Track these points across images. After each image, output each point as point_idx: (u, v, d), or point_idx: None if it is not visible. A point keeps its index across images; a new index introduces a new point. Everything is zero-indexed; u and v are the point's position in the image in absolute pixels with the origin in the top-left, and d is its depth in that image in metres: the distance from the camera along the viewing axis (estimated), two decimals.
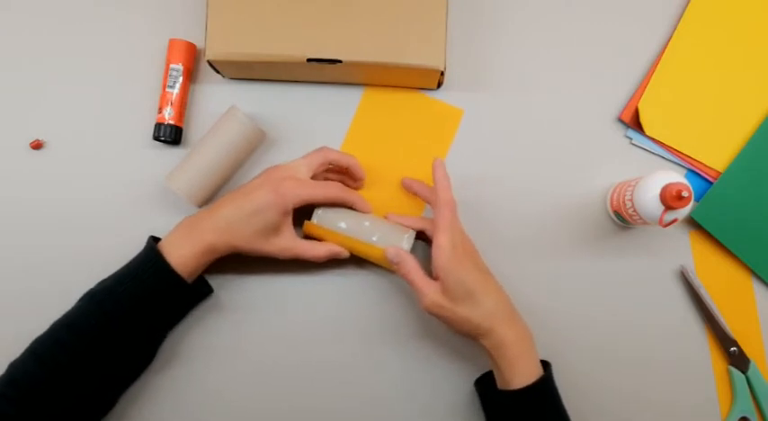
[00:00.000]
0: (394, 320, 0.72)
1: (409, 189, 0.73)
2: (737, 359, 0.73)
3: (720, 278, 0.74)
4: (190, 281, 0.65)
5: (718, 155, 0.74)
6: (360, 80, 0.74)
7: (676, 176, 0.64)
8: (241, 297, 0.72)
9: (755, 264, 0.73)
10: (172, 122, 0.72)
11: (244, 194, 0.65)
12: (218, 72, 0.72)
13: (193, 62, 0.73)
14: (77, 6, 0.74)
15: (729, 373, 0.73)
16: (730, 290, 0.74)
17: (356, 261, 0.70)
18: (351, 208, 0.70)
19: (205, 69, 0.74)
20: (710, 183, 0.74)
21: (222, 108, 0.71)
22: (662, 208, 0.63)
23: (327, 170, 0.71)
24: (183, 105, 0.73)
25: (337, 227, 0.68)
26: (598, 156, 0.75)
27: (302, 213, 0.68)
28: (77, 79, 0.74)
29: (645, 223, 0.67)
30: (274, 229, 0.65)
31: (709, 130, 0.75)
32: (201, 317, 0.72)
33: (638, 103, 0.74)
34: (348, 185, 0.73)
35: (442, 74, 0.69)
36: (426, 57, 0.67)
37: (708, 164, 0.74)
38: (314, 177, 0.68)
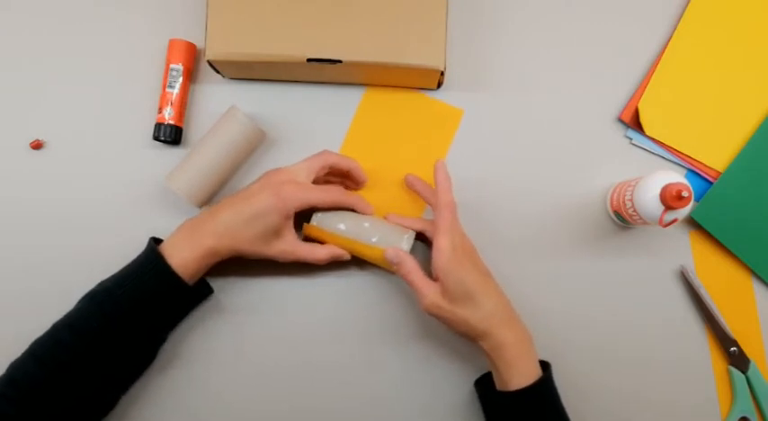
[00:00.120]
0: (394, 321, 0.72)
1: (411, 187, 0.73)
2: (737, 359, 0.73)
3: (720, 278, 0.74)
4: (190, 283, 0.65)
5: (718, 155, 0.74)
6: (360, 80, 0.74)
7: (676, 176, 0.64)
8: (241, 298, 0.72)
9: (755, 264, 0.73)
10: (172, 122, 0.72)
11: (244, 198, 0.65)
12: (218, 72, 0.72)
13: (193, 62, 0.73)
14: (77, 6, 0.74)
15: (729, 373, 0.73)
16: (730, 290, 0.74)
17: (356, 262, 0.70)
18: (352, 210, 0.70)
19: (205, 69, 0.74)
20: (710, 183, 0.74)
21: (222, 108, 0.71)
22: (662, 208, 0.63)
23: (328, 173, 0.71)
24: (183, 105, 0.73)
25: (337, 228, 0.68)
26: (598, 156, 0.75)
27: (302, 216, 0.68)
28: (77, 79, 0.74)
29: (645, 223, 0.67)
30: (275, 233, 0.65)
31: (709, 130, 0.75)
32: (202, 318, 0.72)
33: (638, 103, 0.74)
34: (349, 188, 0.73)
35: (442, 74, 0.69)
36: (426, 57, 0.67)
37: (708, 164, 0.74)
38: (315, 181, 0.68)
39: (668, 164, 0.75)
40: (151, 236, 0.68)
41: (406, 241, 0.67)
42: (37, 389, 0.61)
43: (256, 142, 0.72)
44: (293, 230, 0.67)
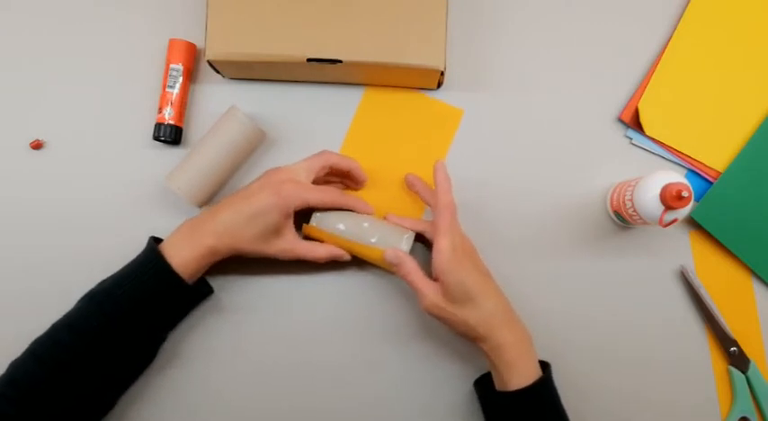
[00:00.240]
0: (394, 321, 0.72)
1: (411, 187, 0.73)
2: (737, 359, 0.73)
3: (720, 278, 0.74)
4: (190, 282, 0.65)
5: (718, 155, 0.74)
6: (360, 80, 0.74)
7: (676, 176, 0.64)
8: (241, 298, 0.72)
9: (755, 264, 0.73)
10: (172, 122, 0.72)
11: (244, 198, 0.65)
12: (218, 72, 0.72)
13: (193, 62, 0.73)
14: (77, 6, 0.74)
15: (729, 373, 0.73)
16: (730, 290, 0.74)
17: (356, 262, 0.70)
18: (352, 211, 0.70)
19: (205, 69, 0.74)
20: (710, 183, 0.74)
21: (222, 108, 0.71)
22: (662, 208, 0.63)
23: (328, 173, 0.71)
24: (183, 105, 0.73)
25: (336, 228, 0.68)
26: (598, 156, 0.75)
27: (302, 216, 0.68)
28: (77, 79, 0.74)
29: (645, 223, 0.67)
30: (275, 232, 0.65)
31: (709, 130, 0.75)
32: (202, 317, 0.72)
33: (638, 103, 0.74)
34: (349, 188, 0.73)
35: (442, 74, 0.69)
36: (426, 57, 0.67)
37: (708, 164, 0.74)
38: (315, 181, 0.68)
39: (668, 164, 0.75)
40: (151, 235, 0.68)
41: (406, 242, 0.67)
42: (37, 388, 0.61)
43: (256, 142, 0.72)
44: (293, 229, 0.67)
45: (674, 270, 0.74)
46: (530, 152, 0.75)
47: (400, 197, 0.74)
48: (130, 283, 0.63)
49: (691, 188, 0.61)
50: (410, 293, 0.72)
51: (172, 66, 0.72)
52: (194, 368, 0.71)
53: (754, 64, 0.75)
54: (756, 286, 0.74)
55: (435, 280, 0.64)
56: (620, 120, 0.75)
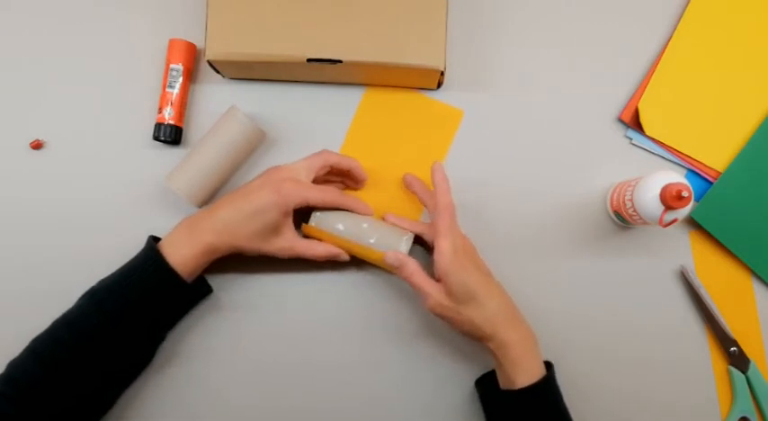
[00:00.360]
0: (393, 320, 0.72)
1: (409, 187, 0.73)
2: (737, 359, 0.73)
3: (720, 278, 0.74)
4: (189, 280, 0.65)
5: (718, 155, 0.74)
6: (360, 80, 0.74)
7: (676, 176, 0.64)
8: (241, 296, 0.72)
9: (755, 264, 0.73)
10: (172, 122, 0.72)
11: (244, 195, 0.65)
12: (218, 72, 0.72)
13: (193, 62, 0.73)
14: (77, 6, 0.74)
15: (729, 373, 0.73)
16: (730, 290, 0.74)
17: (355, 261, 0.70)
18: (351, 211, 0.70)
19: (205, 69, 0.74)
20: (710, 183, 0.74)
21: (222, 108, 0.71)
22: (662, 208, 0.63)
23: (328, 173, 0.71)
24: (183, 105, 0.73)
25: (335, 229, 0.68)
26: (598, 156, 0.75)
27: (301, 214, 0.68)
28: (77, 79, 0.74)
29: (645, 223, 0.67)
30: (274, 230, 0.65)
31: (709, 130, 0.75)
32: (201, 316, 0.72)
33: (638, 103, 0.74)
34: (350, 187, 0.73)
35: (442, 74, 0.69)
36: (426, 57, 0.67)
37: (708, 164, 0.74)
38: (315, 180, 0.68)
39: (668, 164, 0.75)
40: (150, 234, 0.68)
41: (405, 243, 0.67)
42: (36, 387, 0.61)
43: (256, 142, 0.72)
44: (292, 227, 0.67)
45: (674, 270, 0.74)
46: (530, 152, 0.75)
47: (400, 197, 0.74)
48: (130, 282, 0.64)
49: (691, 188, 0.61)
50: (409, 293, 0.72)
51: (172, 66, 0.72)
52: (193, 367, 0.71)
53: (754, 64, 0.75)
54: (756, 286, 0.74)
55: (438, 280, 0.64)
56: (620, 120, 0.75)
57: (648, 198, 0.64)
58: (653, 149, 0.75)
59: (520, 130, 0.75)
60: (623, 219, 0.70)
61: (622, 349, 0.73)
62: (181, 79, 0.72)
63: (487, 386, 0.67)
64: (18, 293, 0.71)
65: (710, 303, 0.73)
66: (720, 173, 0.74)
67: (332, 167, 0.70)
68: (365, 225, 0.68)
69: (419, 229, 0.70)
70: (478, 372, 0.70)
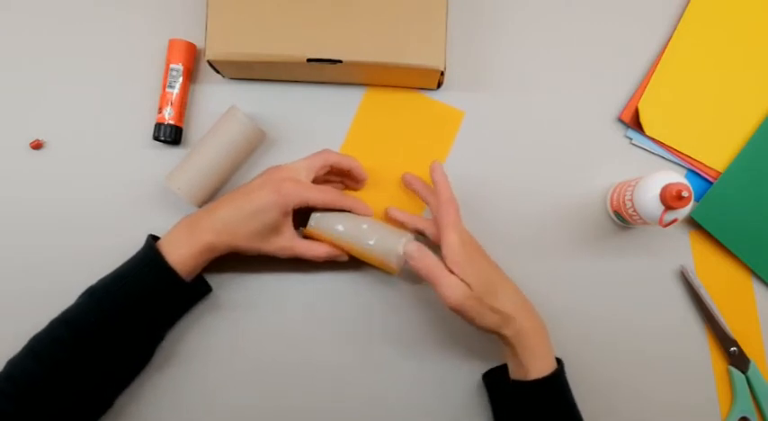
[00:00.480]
0: (392, 319, 0.72)
1: (409, 185, 0.73)
2: (737, 359, 0.73)
3: (720, 278, 0.74)
4: (188, 279, 0.65)
5: (718, 155, 0.74)
6: (360, 80, 0.74)
7: (676, 176, 0.64)
8: (240, 296, 0.72)
9: (755, 264, 0.73)
10: (172, 122, 0.72)
11: (244, 194, 0.65)
12: (218, 72, 0.72)
13: (193, 62, 0.73)
14: (77, 6, 0.74)
15: (729, 373, 0.73)
16: (730, 290, 0.74)
17: (355, 260, 0.70)
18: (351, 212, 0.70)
19: (205, 69, 0.74)
20: (710, 183, 0.74)
21: (222, 108, 0.71)
22: (662, 208, 0.63)
23: (328, 173, 0.71)
24: (183, 105, 0.73)
25: (334, 230, 0.68)
26: (598, 156, 0.75)
27: (300, 214, 0.68)
28: (77, 79, 0.74)
29: (645, 223, 0.67)
30: (274, 229, 0.65)
31: (709, 130, 0.75)
32: (200, 315, 0.72)
33: (638, 103, 0.74)
34: (350, 187, 0.73)
35: (442, 74, 0.69)
36: (426, 57, 0.67)
37: (708, 164, 0.74)
38: (315, 180, 0.68)
39: (668, 164, 0.75)
40: (149, 233, 0.68)
41: (404, 244, 0.67)
42: (35, 385, 0.61)
43: (256, 142, 0.72)
44: (292, 227, 0.67)
45: (674, 270, 0.74)
46: (530, 152, 0.75)
47: (400, 198, 0.74)
48: (129, 280, 0.64)
49: (691, 188, 0.61)
50: (408, 293, 0.72)
51: (172, 66, 0.72)
52: (192, 366, 0.71)
53: (754, 64, 0.75)
54: (756, 286, 0.74)
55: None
56: (620, 120, 0.75)
57: (648, 198, 0.64)
58: (653, 149, 0.75)
59: (520, 130, 0.75)
60: (623, 219, 0.70)
61: (622, 349, 0.73)
62: (181, 79, 0.72)
63: (497, 378, 0.67)
64: (18, 293, 0.71)
65: (710, 303, 0.73)
66: (720, 173, 0.74)
67: (332, 167, 0.70)
68: (364, 226, 0.68)
69: (422, 225, 0.70)
70: (478, 371, 0.70)
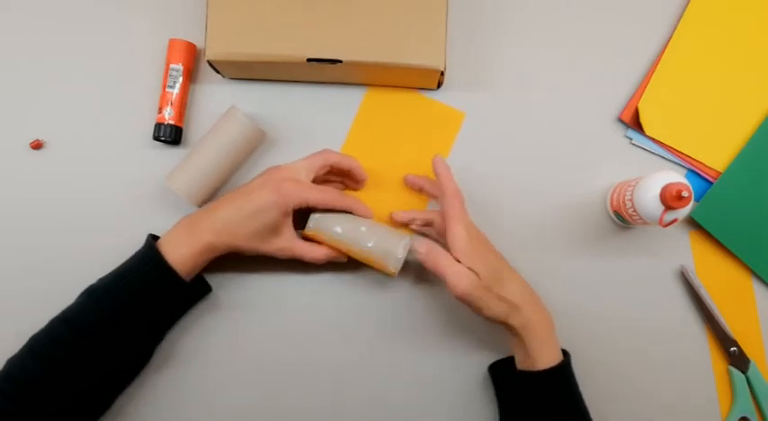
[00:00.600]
0: (392, 319, 0.72)
1: (413, 185, 0.73)
2: (737, 359, 0.73)
3: (720, 278, 0.74)
4: (188, 279, 0.65)
5: (718, 155, 0.74)
6: (360, 80, 0.74)
7: (676, 176, 0.64)
8: (239, 295, 0.72)
9: (755, 264, 0.73)
10: (172, 122, 0.72)
11: (244, 194, 0.65)
12: (218, 72, 0.72)
13: (193, 62, 0.73)
14: (77, 6, 0.74)
15: (729, 373, 0.73)
16: (730, 290, 0.74)
17: (354, 261, 0.70)
18: (351, 213, 0.70)
19: (205, 69, 0.74)
20: (710, 183, 0.74)
21: (222, 108, 0.71)
22: (662, 208, 0.63)
23: (328, 173, 0.71)
24: (183, 105, 0.73)
25: (333, 231, 0.67)
26: (598, 156, 0.75)
27: (300, 214, 0.68)
28: (77, 79, 0.74)
29: (645, 223, 0.67)
30: (274, 230, 0.65)
31: (709, 130, 0.75)
32: (200, 315, 0.72)
33: (638, 103, 0.74)
34: (349, 188, 0.73)
35: (442, 74, 0.69)
36: (426, 57, 0.67)
37: (708, 164, 0.74)
38: (315, 180, 0.68)
39: (668, 164, 0.75)
40: (149, 233, 0.68)
41: (403, 247, 0.67)
42: (34, 384, 0.61)
43: (256, 142, 0.72)
44: (292, 228, 0.67)
45: (674, 270, 0.74)
46: (530, 152, 0.75)
47: (401, 198, 0.74)
48: (128, 280, 0.64)
49: (691, 188, 0.61)
50: (407, 293, 0.72)
51: (172, 66, 0.72)
52: (192, 365, 0.71)
53: (754, 64, 0.75)
54: (756, 286, 0.74)
55: None
56: (620, 120, 0.75)
57: (648, 198, 0.64)
58: (653, 149, 0.75)
59: (520, 130, 0.75)
60: (623, 219, 0.70)
61: (622, 349, 0.73)
62: (181, 79, 0.72)
63: (503, 370, 0.67)
64: (18, 293, 0.71)
65: (710, 303, 0.73)
66: (720, 173, 0.74)
67: (332, 167, 0.70)
68: (363, 228, 0.68)
69: (428, 217, 0.71)
70: (479, 372, 0.71)
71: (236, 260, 0.68)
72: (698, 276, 0.73)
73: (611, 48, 0.76)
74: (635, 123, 0.74)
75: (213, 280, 0.71)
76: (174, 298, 0.66)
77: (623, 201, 0.68)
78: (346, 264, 0.70)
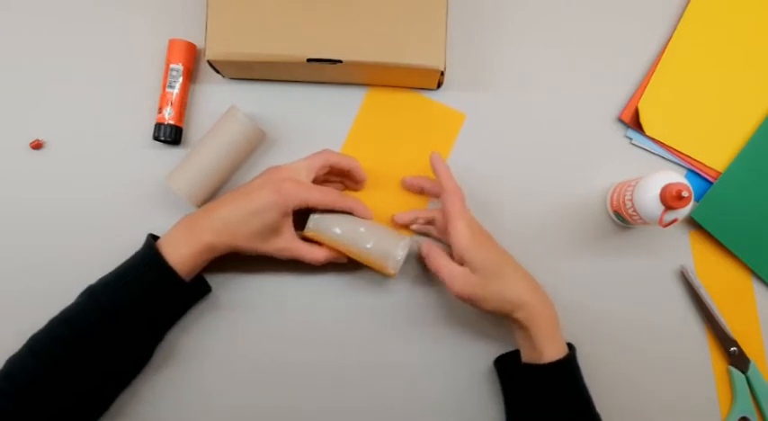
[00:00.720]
0: (391, 320, 0.72)
1: (413, 187, 0.73)
2: (737, 359, 0.73)
3: (720, 278, 0.74)
4: (188, 279, 0.65)
5: (718, 155, 0.74)
6: (360, 80, 0.74)
7: (676, 176, 0.64)
8: (239, 295, 0.72)
9: (755, 264, 0.73)
10: (172, 122, 0.72)
11: (244, 194, 0.65)
12: (218, 72, 0.72)
13: (193, 62, 0.73)
14: (77, 6, 0.74)
15: (729, 373, 0.73)
16: (730, 290, 0.74)
17: (354, 261, 0.70)
18: (350, 213, 0.70)
19: (205, 69, 0.74)
20: (710, 183, 0.74)
21: (222, 108, 0.71)
22: (662, 208, 0.63)
23: (329, 172, 0.71)
24: (183, 105, 0.73)
25: (332, 232, 0.67)
26: (598, 156, 0.75)
27: (299, 215, 0.68)
28: (77, 79, 0.74)
29: (645, 223, 0.67)
30: (274, 230, 0.65)
31: (709, 130, 0.75)
32: (199, 315, 0.72)
33: (638, 103, 0.74)
34: (349, 188, 0.73)
35: (442, 74, 0.69)
36: (426, 57, 0.67)
37: (708, 164, 0.74)
38: (315, 180, 0.68)
39: (668, 164, 0.75)
40: (149, 232, 0.68)
41: (402, 248, 0.67)
42: (34, 384, 0.61)
43: (256, 142, 0.72)
44: (292, 228, 0.67)
45: (674, 270, 0.74)
46: (530, 152, 0.75)
47: (401, 198, 0.74)
48: (128, 280, 0.64)
49: (691, 188, 0.61)
50: (407, 293, 0.72)
51: (172, 66, 0.72)
52: (191, 366, 0.71)
53: (754, 64, 0.75)
54: (756, 286, 0.74)
55: (459, 264, 0.65)
56: (620, 120, 0.75)
57: (648, 198, 0.64)
58: (653, 149, 0.75)
59: (520, 130, 0.75)
60: (623, 219, 0.70)
61: (622, 349, 0.73)
62: (181, 79, 0.72)
63: (509, 364, 0.68)
64: (18, 293, 0.71)
65: (710, 303, 0.73)
66: (720, 173, 0.74)
67: (332, 167, 0.70)
68: (362, 229, 0.68)
69: (430, 216, 0.71)
70: (480, 371, 0.71)
71: (236, 260, 0.68)
72: (698, 276, 0.73)
73: (611, 48, 0.76)
74: (635, 123, 0.74)
75: (213, 280, 0.71)
76: (174, 298, 0.66)
77: (623, 201, 0.68)
78: (346, 264, 0.70)
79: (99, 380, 0.64)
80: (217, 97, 0.74)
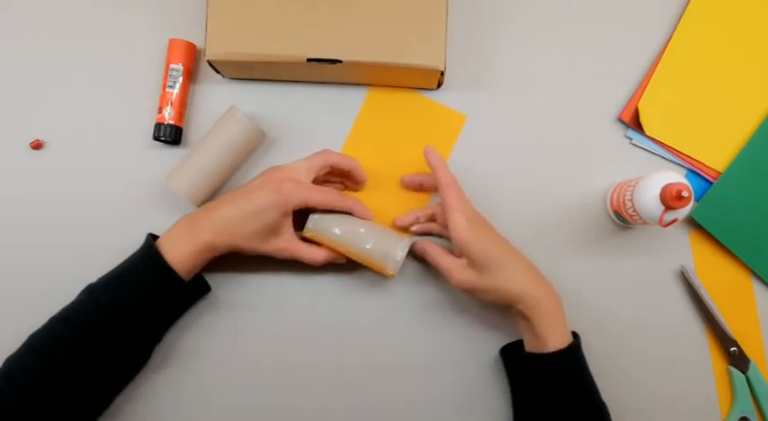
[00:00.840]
0: (391, 320, 0.72)
1: (412, 185, 0.73)
2: (737, 359, 0.73)
3: (720, 278, 0.74)
4: (187, 279, 0.65)
5: (718, 155, 0.74)
6: (360, 80, 0.74)
7: (676, 176, 0.64)
8: (239, 295, 0.72)
9: (755, 264, 0.73)
10: (172, 122, 0.72)
11: (244, 194, 0.65)
12: (218, 72, 0.72)
13: (193, 62, 0.73)
14: (77, 6, 0.74)
15: (729, 373, 0.73)
16: (730, 290, 0.74)
17: (354, 261, 0.70)
18: (350, 214, 0.70)
19: (205, 69, 0.74)
20: (710, 183, 0.74)
21: (222, 108, 0.71)
22: (662, 208, 0.63)
23: (329, 173, 0.71)
24: (183, 105, 0.73)
25: (332, 233, 0.67)
26: (598, 156, 0.75)
27: (299, 215, 0.68)
28: (77, 79, 0.74)
29: (645, 223, 0.67)
30: (274, 230, 0.65)
31: (709, 130, 0.75)
32: (199, 314, 0.72)
33: (638, 103, 0.74)
34: (349, 188, 0.73)
35: (442, 74, 0.69)
36: (426, 57, 0.67)
37: (708, 164, 0.74)
38: (315, 180, 0.68)
39: (668, 164, 0.75)
40: (149, 232, 0.68)
41: (401, 249, 0.67)
42: (34, 383, 0.61)
43: (256, 142, 0.72)
44: (292, 228, 0.67)
45: (674, 270, 0.74)
46: (530, 152, 0.75)
47: (401, 198, 0.74)
48: (128, 279, 0.64)
49: (691, 188, 0.61)
50: (407, 293, 0.72)
51: (172, 66, 0.72)
52: (191, 365, 0.71)
53: (754, 64, 0.75)
54: (756, 286, 0.74)
55: (459, 256, 0.65)
56: (620, 120, 0.75)
57: (648, 198, 0.64)
58: (653, 149, 0.75)
59: (520, 130, 0.75)
60: (623, 219, 0.70)
61: (622, 349, 0.73)
62: (181, 79, 0.72)
63: (514, 353, 0.68)
64: (18, 293, 0.71)
65: (710, 303, 0.73)
66: (720, 173, 0.74)
67: (332, 168, 0.70)
68: (362, 230, 0.68)
69: (430, 212, 0.72)
70: (480, 371, 0.70)
71: (236, 260, 0.68)
72: (698, 276, 0.73)
73: (611, 48, 0.76)
74: (635, 123, 0.74)
75: (213, 280, 0.71)
76: (174, 297, 0.66)
77: (623, 201, 0.68)
78: (345, 264, 0.70)
79: (98, 379, 0.64)
80: (217, 97, 0.74)
